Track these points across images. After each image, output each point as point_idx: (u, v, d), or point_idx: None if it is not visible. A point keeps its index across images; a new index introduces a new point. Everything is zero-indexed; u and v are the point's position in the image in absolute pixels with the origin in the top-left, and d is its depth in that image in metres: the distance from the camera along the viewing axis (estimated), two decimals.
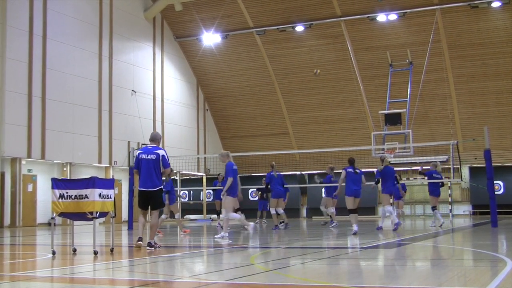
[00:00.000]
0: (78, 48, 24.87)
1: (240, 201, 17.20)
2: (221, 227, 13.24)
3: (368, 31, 28.47)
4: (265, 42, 30.06)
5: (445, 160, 24.97)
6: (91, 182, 8.56)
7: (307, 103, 31.46)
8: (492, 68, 27.84)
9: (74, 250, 8.99)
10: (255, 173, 29.70)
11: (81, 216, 8.69)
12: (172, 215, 16.41)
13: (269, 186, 16.78)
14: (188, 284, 5.80)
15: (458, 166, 19.67)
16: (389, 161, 25.36)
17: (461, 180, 25.44)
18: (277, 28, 29.04)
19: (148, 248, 9.36)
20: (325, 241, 12.06)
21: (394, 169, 15.79)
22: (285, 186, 17.62)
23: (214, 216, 27.15)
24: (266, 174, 17.13)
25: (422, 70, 27.15)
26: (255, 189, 29.53)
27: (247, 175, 31.71)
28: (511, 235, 13.27)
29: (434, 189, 17.44)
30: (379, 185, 15.29)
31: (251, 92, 32.30)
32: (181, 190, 32.03)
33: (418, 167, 21.19)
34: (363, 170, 14.67)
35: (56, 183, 8.71)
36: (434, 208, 17.68)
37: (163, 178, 10.10)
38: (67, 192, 8.62)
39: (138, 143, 27.10)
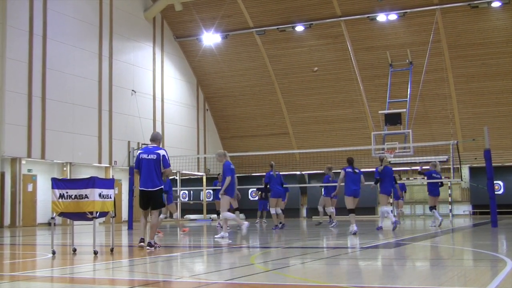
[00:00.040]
0: (78, 48, 24.87)
1: (238, 200, 17.23)
2: (221, 227, 13.24)
3: (368, 31, 28.47)
4: (265, 42, 30.06)
5: (445, 160, 24.98)
6: (91, 182, 8.56)
7: (307, 103, 31.47)
8: (492, 68, 27.85)
9: (74, 250, 8.99)
10: (255, 173, 29.71)
11: (81, 216, 8.69)
12: (170, 215, 16.41)
13: (268, 186, 16.75)
14: (188, 284, 5.80)
15: (458, 166, 19.67)
16: (389, 161, 25.43)
17: (461, 180, 25.46)
18: (277, 28, 29.05)
19: (148, 248, 9.36)
20: (325, 241, 12.06)
21: (395, 169, 15.82)
22: (284, 186, 17.62)
23: (214, 216, 27.16)
24: (265, 174, 17.10)
25: (422, 70, 27.15)
26: (255, 189, 29.55)
27: (247, 175, 31.72)
28: (511, 235, 13.27)
29: (433, 189, 17.47)
30: (378, 185, 15.31)
31: (251, 92, 32.31)
32: (181, 190, 32.04)
33: (418, 167, 21.22)
34: (363, 170, 14.69)
35: (56, 183, 8.71)
36: (432, 208, 17.73)
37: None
38: (67, 192, 8.62)
39: (138, 143, 27.09)
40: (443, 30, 27.26)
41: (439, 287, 5.22)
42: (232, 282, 5.70)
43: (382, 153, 23.46)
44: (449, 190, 26.38)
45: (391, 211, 21.37)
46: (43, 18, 23.21)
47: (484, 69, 27.96)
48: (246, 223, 12.55)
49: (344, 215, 16.90)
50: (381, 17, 27.40)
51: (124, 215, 25.52)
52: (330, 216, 19.23)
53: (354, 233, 13.03)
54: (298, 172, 32.30)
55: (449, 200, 25.98)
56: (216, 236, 12.44)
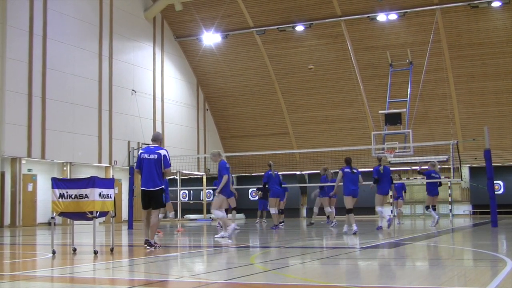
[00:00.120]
0: (78, 48, 24.87)
1: (235, 198, 17.23)
2: (221, 227, 13.23)
3: (368, 31, 28.47)
4: (265, 42, 30.06)
5: (445, 160, 24.98)
6: (91, 182, 8.56)
7: (307, 103, 31.47)
8: (492, 68, 27.85)
9: (74, 250, 8.99)
10: (255, 173, 29.71)
11: (81, 215, 8.69)
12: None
13: (267, 186, 16.72)
14: (188, 284, 5.80)
15: (458, 166, 19.68)
16: (389, 161, 25.45)
17: (461, 180, 25.47)
18: (277, 28, 29.05)
19: (148, 247, 9.37)
20: (325, 241, 12.06)
21: (395, 169, 15.84)
22: (283, 185, 17.62)
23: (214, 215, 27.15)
24: (264, 173, 17.06)
25: (422, 70, 27.15)
26: (255, 189, 29.56)
27: (246, 175, 31.74)
28: (511, 235, 13.28)
29: (432, 189, 17.51)
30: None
31: (251, 92, 32.31)
32: (181, 189, 32.05)
33: (417, 167, 21.23)
34: (363, 170, 14.71)
35: (56, 183, 8.71)
36: (428, 207, 17.80)
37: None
38: (67, 192, 8.62)
39: (138, 143, 27.11)
40: (443, 30, 27.26)
41: (439, 287, 5.22)
42: (232, 282, 5.71)
43: (382, 153, 23.49)
44: (449, 190, 26.40)
45: (391, 211, 21.42)
46: (43, 18, 23.21)
47: (484, 69, 27.96)
48: (233, 225, 12.49)
49: (344, 215, 16.87)
50: (381, 17, 27.40)
51: (124, 215, 25.52)
52: (328, 217, 19.24)
53: (354, 233, 13.04)
54: (298, 172, 32.31)
55: (449, 200, 25.99)
56: (216, 236, 12.44)
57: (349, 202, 13.80)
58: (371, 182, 15.41)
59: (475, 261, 7.72)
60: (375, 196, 15.33)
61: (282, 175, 19.82)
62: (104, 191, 8.73)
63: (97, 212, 8.60)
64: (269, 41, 29.99)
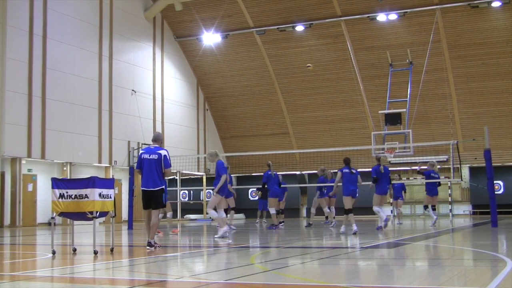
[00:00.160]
0: (78, 48, 24.87)
1: (234, 198, 17.20)
2: (221, 227, 13.22)
3: (368, 31, 28.47)
4: (265, 42, 30.06)
5: (445, 160, 24.97)
6: (91, 182, 8.56)
7: (307, 103, 31.47)
8: (492, 68, 27.85)
9: (74, 250, 8.99)
10: (255, 173, 29.71)
11: (81, 215, 8.69)
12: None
13: (266, 186, 16.72)
14: (188, 284, 5.80)
15: (458, 166, 19.68)
16: (389, 161, 25.44)
17: (461, 180, 25.46)
18: (277, 28, 29.05)
19: (148, 247, 9.37)
20: (325, 241, 12.06)
21: (395, 169, 15.85)
22: (282, 186, 17.63)
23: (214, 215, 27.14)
24: (263, 173, 17.05)
25: (422, 70, 27.14)
26: (255, 189, 29.56)
27: (246, 175, 31.74)
28: (511, 235, 13.28)
29: (432, 189, 17.55)
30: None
31: (251, 92, 32.30)
32: (181, 190, 32.05)
33: (417, 167, 21.25)
34: (363, 170, 14.73)
35: (56, 183, 8.71)
36: (426, 207, 17.85)
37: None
38: (67, 192, 8.62)
39: (138, 143, 27.12)
40: (443, 30, 27.27)
41: (439, 287, 5.22)
42: (232, 282, 5.71)
43: (382, 153, 23.49)
44: (449, 190, 26.39)
45: (391, 211, 21.41)
46: (43, 18, 23.20)
47: (484, 69, 27.96)
48: (225, 227, 12.47)
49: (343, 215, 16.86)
50: (381, 17, 27.39)
51: (124, 215, 25.52)
52: (327, 217, 19.26)
53: (354, 233, 13.05)
54: (298, 172, 32.31)
55: (449, 200, 25.99)
56: (216, 236, 12.44)
57: (348, 202, 13.83)
58: (371, 182, 15.42)
59: (475, 261, 7.72)
60: (374, 195, 15.37)
61: (282, 175, 19.84)
62: (104, 191, 8.74)
63: (97, 212, 8.60)
64: (269, 41, 29.99)
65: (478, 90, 28.50)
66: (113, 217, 9.33)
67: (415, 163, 26.29)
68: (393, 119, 24.54)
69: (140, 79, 28.57)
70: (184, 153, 29.60)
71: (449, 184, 26.51)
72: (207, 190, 30.98)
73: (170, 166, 9.58)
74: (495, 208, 16.54)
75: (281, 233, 14.62)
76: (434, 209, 17.91)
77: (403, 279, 5.92)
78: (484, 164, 17.06)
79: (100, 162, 25.52)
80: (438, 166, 24.87)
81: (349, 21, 28.26)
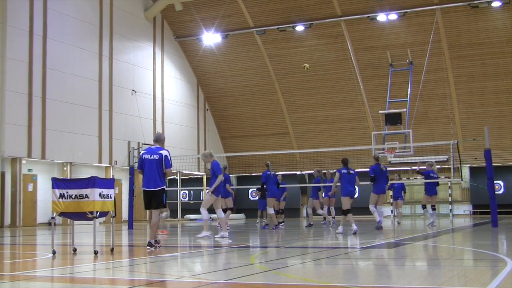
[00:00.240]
0: (78, 48, 24.88)
1: (233, 198, 17.17)
2: (221, 227, 13.23)
3: (368, 31, 28.47)
4: (265, 42, 30.07)
5: (445, 160, 24.98)
6: (91, 182, 8.56)
7: (307, 103, 31.48)
8: (492, 68, 27.85)
9: (74, 250, 8.99)
10: (255, 173, 29.71)
11: (81, 215, 8.69)
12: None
13: (265, 186, 16.71)
14: (188, 284, 5.80)
15: (458, 166, 19.68)
16: (389, 161, 25.43)
17: (461, 180, 25.47)
18: (277, 28, 29.05)
19: (148, 247, 9.38)
20: (325, 241, 12.06)
21: (396, 168, 15.86)
22: (280, 186, 17.64)
23: (214, 216, 27.15)
24: (262, 173, 17.03)
25: (422, 70, 27.15)
26: (255, 189, 29.55)
27: (246, 175, 31.74)
28: (511, 235, 13.28)
29: (431, 188, 17.57)
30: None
31: (251, 92, 32.31)
32: (181, 190, 32.05)
33: (416, 167, 21.26)
34: (363, 170, 14.73)
35: (56, 183, 8.71)
36: (424, 206, 17.87)
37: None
38: (67, 192, 8.62)
39: (138, 143, 27.13)
40: (443, 30, 27.27)
41: (439, 287, 5.22)
42: (232, 282, 5.71)
43: (382, 152, 23.50)
44: (450, 190, 26.41)
45: (391, 211, 21.42)
46: (43, 18, 23.21)
47: (484, 69, 27.97)
48: (208, 233, 12.44)
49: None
50: (381, 17, 27.40)
51: (124, 215, 25.53)
52: (324, 218, 19.28)
53: (354, 233, 13.06)
54: (298, 172, 32.31)
55: (450, 200, 26.00)
56: (216, 236, 12.45)
57: (346, 202, 13.86)
58: (368, 182, 15.47)
59: (475, 261, 7.72)
60: (371, 195, 15.41)
61: (282, 175, 19.85)
62: (104, 191, 8.74)
63: (97, 212, 8.60)
64: (269, 41, 29.99)
65: (478, 90, 28.50)
66: (113, 217, 9.33)
67: (415, 163, 26.31)
68: (393, 119, 24.55)
69: (140, 79, 28.58)
70: (184, 153, 29.60)
71: (449, 184, 26.54)
72: (207, 190, 30.98)
73: (171, 166, 9.60)
74: (495, 208, 16.55)
75: (281, 233, 14.62)
76: (434, 209, 17.92)
77: (403, 279, 5.92)
78: (484, 164, 17.07)
79: (100, 162, 25.53)
80: (438, 166, 24.89)
81: (349, 21, 28.26)
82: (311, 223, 18.31)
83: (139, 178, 23.52)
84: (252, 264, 7.30)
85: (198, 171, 31.24)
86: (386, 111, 25.53)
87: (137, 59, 28.47)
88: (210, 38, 30.27)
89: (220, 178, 12.27)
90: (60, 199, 8.63)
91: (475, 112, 28.77)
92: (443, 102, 28.92)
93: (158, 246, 9.57)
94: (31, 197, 23.18)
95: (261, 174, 16.86)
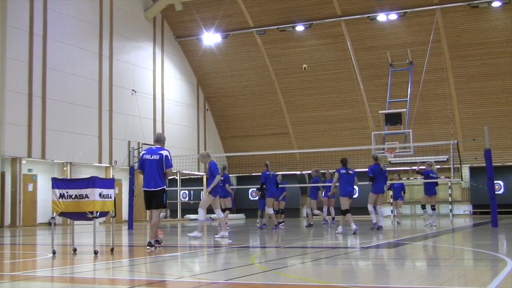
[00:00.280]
0: (79, 48, 24.88)
1: (232, 198, 17.17)
2: (221, 227, 13.23)
3: (368, 31, 28.47)
4: (265, 42, 30.06)
5: (445, 160, 24.98)
6: (91, 182, 8.56)
7: (307, 103, 31.48)
8: (492, 68, 27.85)
9: (74, 250, 8.99)
10: (255, 173, 29.69)
11: (81, 215, 8.69)
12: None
13: (264, 186, 16.71)
14: (188, 284, 5.80)
15: (458, 166, 19.68)
16: (390, 161, 25.42)
17: (461, 180, 25.47)
18: (277, 28, 29.05)
19: (148, 247, 9.38)
20: (325, 241, 12.06)
21: (396, 169, 15.87)
22: (280, 186, 17.65)
23: (215, 215, 27.15)
24: (261, 173, 17.03)
25: (422, 70, 27.15)
26: (255, 189, 29.55)
27: (247, 174, 31.74)
28: (511, 235, 13.28)
29: (431, 188, 17.59)
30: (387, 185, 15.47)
31: (251, 92, 32.31)
32: (181, 190, 32.04)
33: (415, 167, 21.27)
34: (363, 170, 14.74)
35: (56, 183, 8.71)
36: (424, 206, 17.89)
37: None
38: (67, 192, 8.63)
39: (138, 143, 27.13)
40: (443, 30, 27.26)
41: (439, 287, 5.22)
42: (232, 282, 5.71)
43: (382, 152, 23.50)
44: (450, 190, 26.41)
45: (391, 211, 21.42)
46: (43, 18, 23.21)
47: (484, 69, 27.97)
48: (199, 234, 12.44)
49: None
50: (381, 17, 27.40)
51: (124, 215, 25.53)
52: (324, 218, 19.30)
53: (354, 233, 13.06)
54: (298, 172, 32.31)
55: (450, 200, 26.00)
56: (216, 236, 12.45)
57: (345, 203, 13.87)
58: (367, 182, 15.51)
59: (475, 261, 7.72)
60: (369, 194, 15.44)
61: (282, 175, 19.86)
62: (104, 191, 8.74)
63: (97, 212, 8.60)
64: (269, 41, 29.99)
65: (478, 90, 28.50)
66: (113, 217, 9.34)
67: (415, 163, 26.32)
68: (393, 119, 24.54)
69: (140, 79, 28.57)
70: (184, 153, 29.59)
71: (449, 184, 26.54)
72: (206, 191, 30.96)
73: (171, 166, 9.61)
74: (495, 208, 16.55)
75: (281, 233, 14.62)
76: (434, 209, 17.94)
77: (403, 279, 5.92)
78: (484, 164, 17.07)
79: (100, 162, 25.52)
80: (438, 166, 24.89)
81: (349, 21, 28.26)
82: (311, 223, 18.31)
83: (139, 178, 23.54)
84: (252, 264, 7.30)
85: (198, 171, 31.22)
86: (386, 111, 25.53)
87: (137, 59, 28.47)
88: (210, 38, 30.27)
89: (218, 178, 12.30)
90: (60, 199, 8.63)
91: (475, 112, 28.77)
92: (443, 102, 28.91)
93: (158, 246, 9.57)
94: (31, 197, 23.18)
95: (261, 174, 16.87)
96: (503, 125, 28.45)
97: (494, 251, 8.96)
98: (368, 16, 27.61)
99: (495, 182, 19.02)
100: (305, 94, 31.18)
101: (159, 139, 9.96)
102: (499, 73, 27.93)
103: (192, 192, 33.93)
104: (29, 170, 23.33)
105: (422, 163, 19.84)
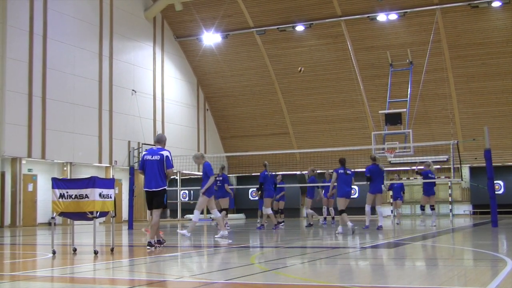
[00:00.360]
0: (79, 48, 24.88)
1: (230, 198, 17.17)
2: (219, 227, 13.21)
3: (368, 31, 28.47)
4: (265, 42, 30.06)
5: (445, 160, 24.97)
6: (91, 182, 8.56)
7: (307, 103, 31.48)
8: (492, 68, 27.85)
9: (74, 250, 8.99)
10: (255, 173, 29.67)
11: (81, 215, 8.69)
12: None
13: (263, 186, 16.71)
14: (188, 284, 5.80)
15: (459, 166, 19.68)
16: (390, 161, 25.40)
17: (461, 180, 25.47)
18: (277, 28, 29.05)
19: (148, 247, 9.38)
20: (325, 241, 12.07)
21: (396, 169, 15.88)
22: (279, 186, 17.66)
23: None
24: (260, 173, 17.02)
25: (422, 70, 27.15)
26: (255, 189, 29.55)
27: (247, 174, 31.73)
28: (511, 235, 13.28)
29: (429, 189, 17.60)
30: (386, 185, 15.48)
31: (251, 92, 32.31)
32: (181, 189, 32.04)
33: (415, 167, 21.27)
34: (363, 170, 14.75)
35: (56, 183, 8.71)
36: (423, 207, 17.90)
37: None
38: (67, 192, 8.63)
39: (139, 143, 27.12)
40: (443, 30, 27.26)
41: (439, 287, 5.22)
42: (232, 282, 5.71)
43: (382, 152, 23.50)
44: (450, 190, 26.40)
45: (391, 211, 21.42)
46: (44, 18, 23.21)
47: (484, 69, 27.97)
48: (188, 234, 12.48)
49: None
50: (381, 17, 27.40)
51: (125, 215, 25.53)
52: (325, 218, 19.30)
53: (353, 231, 13.11)
54: (298, 172, 32.30)
55: (450, 200, 26.00)
56: (216, 236, 12.45)
57: (342, 203, 13.90)
58: (364, 182, 15.54)
59: (475, 261, 7.72)
60: (367, 195, 15.45)
61: (282, 175, 19.87)
62: (104, 191, 8.74)
63: (97, 212, 8.60)
64: (269, 41, 29.99)
65: (478, 90, 28.50)
66: (113, 217, 9.34)
67: (415, 163, 26.34)
68: (393, 119, 24.54)
69: (140, 79, 28.58)
70: (184, 153, 29.55)
71: (449, 184, 26.53)
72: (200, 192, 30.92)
73: (172, 166, 9.63)
74: (495, 208, 16.55)
75: (281, 233, 14.62)
76: (433, 209, 17.94)
77: (403, 279, 5.92)
78: (484, 164, 17.07)
79: (100, 162, 25.53)
80: (438, 166, 24.89)
81: (349, 21, 28.26)
82: (311, 223, 18.31)
83: (139, 178, 23.56)
84: (252, 264, 7.30)
85: (198, 171, 31.09)
86: (386, 111, 25.53)
87: (137, 59, 28.47)
88: (210, 38, 30.27)
89: (212, 179, 12.31)
90: (60, 199, 8.64)
91: (475, 112, 28.77)
92: (443, 102, 28.92)
93: (159, 246, 9.57)
94: (31, 197, 23.18)
95: (259, 174, 16.88)
96: (503, 125, 28.45)
97: (494, 251, 8.96)
98: (368, 16, 27.61)
99: (495, 182, 19.02)
100: (305, 94, 31.18)
101: (160, 140, 9.98)
102: (499, 73, 27.93)
103: (192, 192, 33.92)
104: (29, 170, 23.33)
105: (422, 163, 19.85)
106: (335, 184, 14.25)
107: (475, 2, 25.81)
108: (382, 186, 15.96)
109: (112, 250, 9.04)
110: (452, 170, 19.27)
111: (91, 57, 25.59)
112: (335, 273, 6.46)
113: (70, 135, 24.05)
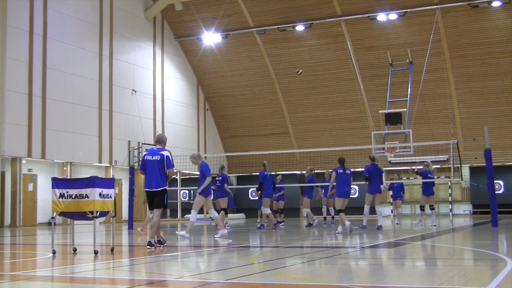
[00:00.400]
0: (79, 48, 24.88)
1: (229, 198, 17.18)
2: (219, 227, 13.21)
3: (368, 31, 28.47)
4: (265, 42, 30.06)
5: (445, 159, 24.96)
6: (92, 182, 8.56)
7: (307, 102, 31.48)
8: (492, 68, 27.85)
9: (75, 250, 8.99)
10: (255, 173, 29.67)
11: (82, 215, 8.69)
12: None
13: (262, 186, 16.71)
14: (188, 283, 5.80)
15: (459, 165, 19.68)
16: (390, 161, 25.39)
17: (462, 180, 25.46)
18: (277, 28, 29.05)
19: (148, 247, 9.38)
20: (325, 241, 12.07)
21: (396, 168, 15.88)
22: (278, 185, 17.67)
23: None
24: (259, 173, 17.02)
25: (422, 70, 27.14)
26: (255, 189, 29.56)
27: (247, 174, 31.74)
28: (511, 235, 13.28)
29: (429, 189, 17.61)
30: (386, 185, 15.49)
31: (251, 92, 32.31)
32: (181, 189, 32.04)
33: (414, 167, 21.29)
34: (363, 170, 14.75)
35: (57, 183, 8.71)
36: (423, 207, 17.93)
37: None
38: (67, 192, 8.63)
39: (139, 143, 27.12)
40: (443, 30, 27.26)
41: (439, 287, 5.22)
42: (232, 281, 5.71)
43: (382, 152, 23.50)
44: (450, 190, 26.41)
45: (391, 211, 21.42)
46: (44, 18, 23.21)
47: (484, 69, 27.96)
48: (187, 235, 12.40)
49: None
50: (381, 17, 27.40)
51: (125, 214, 25.53)
52: (325, 218, 19.31)
53: (350, 230, 13.14)
54: (298, 172, 32.30)
55: (450, 199, 26.01)
56: (216, 236, 12.45)
57: (340, 203, 13.92)
58: (363, 182, 15.55)
59: (475, 261, 7.72)
60: (366, 195, 15.45)
61: (282, 175, 19.87)
62: (105, 191, 8.74)
63: (97, 212, 8.61)
64: (269, 41, 29.99)
65: (478, 90, 28.50)
66: (114, 217, 9.34)
67: (415, 163, 26.33)
68: (393, 119, 24.53)
69: (140, 79, 28.58)
70: (185, 153, 29.52)
71: (449, 184, 26.54)
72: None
73: (173, 166, 9.65)
74: (496, 207, 16.56)
75: (281, 233, 14.62)
76: (432, 209, 17.95)
77: (403, 279, 5.92)
78: (484, 164, 17.07)
79: (100, 162, 25.53)
80: (438, 166, 24.87)
81: (349, 21, 28.26)
82: (311, 223, 18.32)
83: (139, 178, 23.56)
84: (252, 264, 7.30)
85: (198, 171, 31.18)
86: (386, 111, 25.51)
87: (137, 59, 28.47)
88: (210, 38, 30.27)
89: (209, 180, 12.32)
90: (60, 199, 8.64)
91: (475, 112, 28.77)
92: (443, 102, 28.92)
93: (159, 246, 9.58)
94: (31, 197, 23.18)
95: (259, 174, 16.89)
96: (503, 125, 28.45)
97: (494, 250, 8.96)
98: (368, 16, 27.61)
99: (495, 182, 19.02)
100: (305, 94, 31.18)
101: (161, 140, 10.00)
102: (499, 73, 27.93)
103: (192, 192, 33.91)
104: (29, 170, 23.33)
105: (421, 163, 19.86)
106: (334, 183, 14.26)
107: (475, 2, 25.81)
108: (381, 186, 15.96)
109: (112, 250, 9.04)
110: (452, 170, 19.27)
111: (91, 57, 25.59)
112: (335, 273, 6.46)
113: (70, 135, 24.05)
